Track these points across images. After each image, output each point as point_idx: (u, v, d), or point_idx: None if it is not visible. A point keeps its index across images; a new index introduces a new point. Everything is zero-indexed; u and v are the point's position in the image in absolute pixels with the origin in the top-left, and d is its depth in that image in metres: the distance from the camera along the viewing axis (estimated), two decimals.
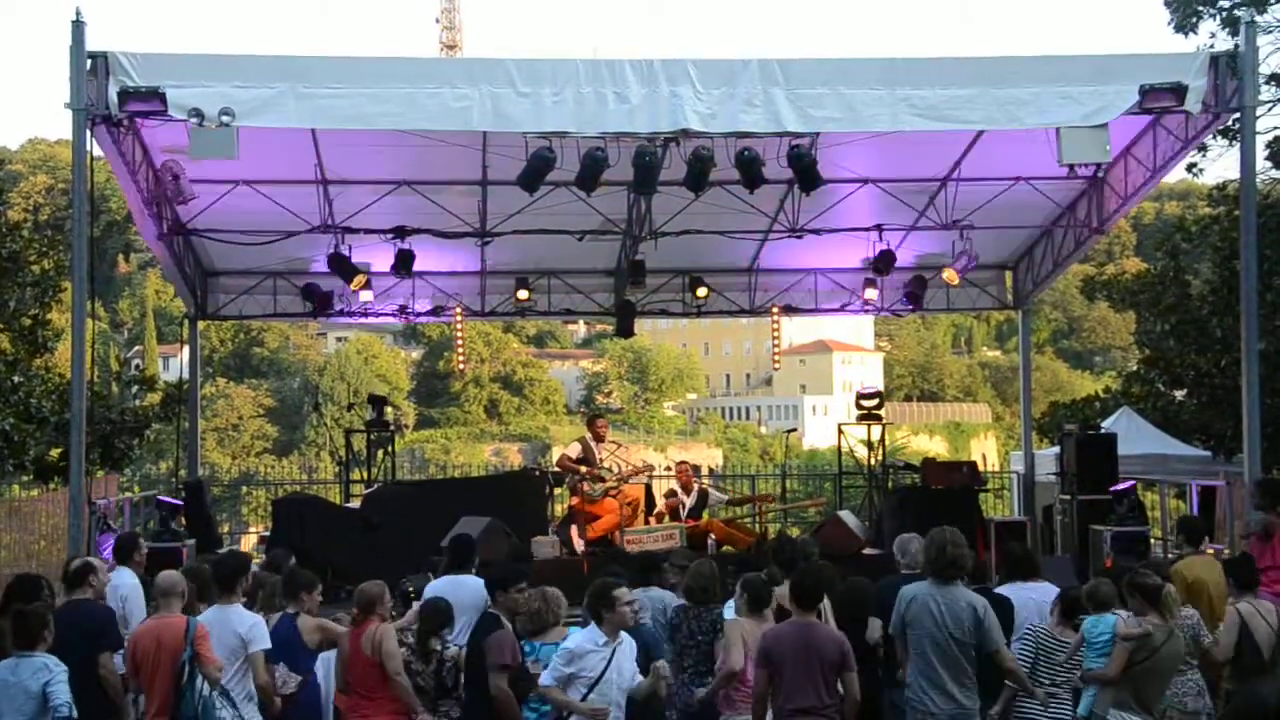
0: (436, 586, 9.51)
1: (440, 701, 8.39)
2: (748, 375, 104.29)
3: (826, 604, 8.43)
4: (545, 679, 7.75)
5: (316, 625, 8.90)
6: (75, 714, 7.45)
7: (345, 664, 8.29)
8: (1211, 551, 12.10)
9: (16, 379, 16.95)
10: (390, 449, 18.91)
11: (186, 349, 20.13)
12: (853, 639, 7.94)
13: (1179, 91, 12.33)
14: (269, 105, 11.80)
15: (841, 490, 19.61)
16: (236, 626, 8.15)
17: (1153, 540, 15.54)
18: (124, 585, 9.73)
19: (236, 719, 7.89)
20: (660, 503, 16.81)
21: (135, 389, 22.22)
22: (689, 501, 16.27)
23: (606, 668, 7.71)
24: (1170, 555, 13.77)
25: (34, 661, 7.46)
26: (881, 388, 22.93)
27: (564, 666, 7.68)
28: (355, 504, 16.88)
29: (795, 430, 54.95)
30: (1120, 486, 14.93)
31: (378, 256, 17.28)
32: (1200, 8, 21.49)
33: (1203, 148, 20.50)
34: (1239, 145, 13.64)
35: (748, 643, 8.06)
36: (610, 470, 15.68)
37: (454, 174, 15.75)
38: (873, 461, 19.08)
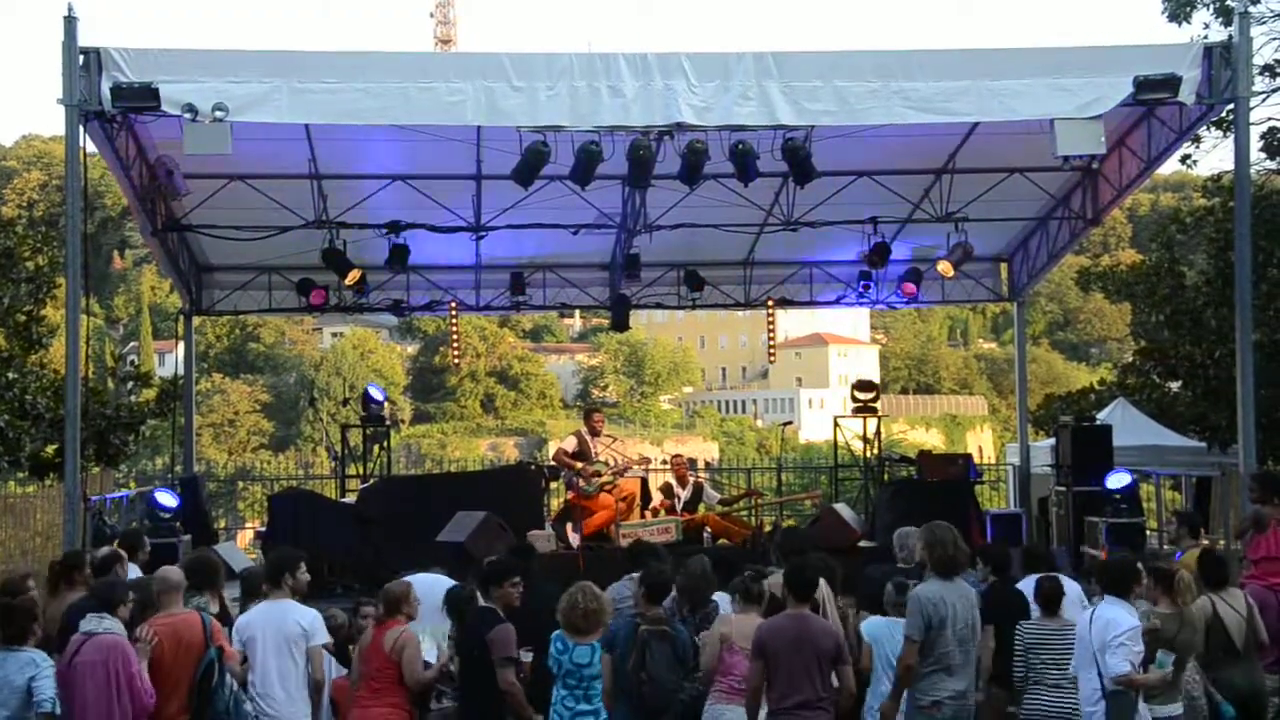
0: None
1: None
2: (744, 368, 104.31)
3: (824, 595, 8.42)
4: (1123, 666, 7.67)
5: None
6: (58, 710, 7.39)
7: (363, 655, 8.29)
8: (1208, 542, 12.11)
9: (11, 375, 16.95)
10: (386, 444, 18.91)
11: (182, 345, 20.13)
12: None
13: (1173, 83, 12.35)
14: (263, 100, 11.80)
15: (837, 483, 19.65)
16: (299, 619, 8.17)
17: (1148, 532, 15.55)
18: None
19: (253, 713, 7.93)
20: (656, 498, 16.79)
21: (130, 385, 22.21)
22: (684, 495, 16.26)
23: None
24: (1168, 547, 13.76)
25: (21, 656, 7.42)
26: (877, 379, 22.93)
27: (1137, 646, 7.75)
28: (351, 499, 16.88)
29: (791, 423, 54.93)
30: (1118, 483, 14.87)
31: (372, 251, 17.26)
32: None
33: (1197, 139, 20.43)
34: (1233, 136, 13.64)
35: (732, 638, 8.01)
36: (606, 464, 15.67)
37: (448, 168, 15.72)
38: (868, 454, 19.10)
